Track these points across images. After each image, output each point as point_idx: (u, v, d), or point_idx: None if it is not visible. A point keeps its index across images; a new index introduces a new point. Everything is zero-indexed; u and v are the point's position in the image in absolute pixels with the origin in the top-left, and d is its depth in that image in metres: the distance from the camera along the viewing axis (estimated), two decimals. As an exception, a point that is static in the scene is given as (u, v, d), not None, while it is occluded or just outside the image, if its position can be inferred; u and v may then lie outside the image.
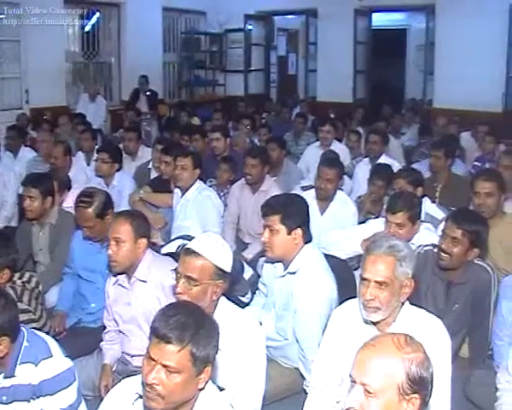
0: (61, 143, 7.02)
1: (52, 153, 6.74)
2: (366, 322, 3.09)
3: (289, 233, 3.88)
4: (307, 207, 4.12)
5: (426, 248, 4.25)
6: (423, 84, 13.56)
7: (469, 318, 4.09)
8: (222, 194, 6.37)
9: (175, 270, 3.19)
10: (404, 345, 2.16)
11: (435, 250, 4.13)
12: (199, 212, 5.62)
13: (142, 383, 2.35)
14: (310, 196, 5.32)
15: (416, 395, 2.12)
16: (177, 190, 5.90)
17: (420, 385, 2.12)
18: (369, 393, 2.11)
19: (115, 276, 3.92)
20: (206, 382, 2.38)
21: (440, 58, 12.72)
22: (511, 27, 11.92)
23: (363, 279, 3.05)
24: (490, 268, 4.10)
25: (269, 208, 3.96)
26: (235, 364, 3.08)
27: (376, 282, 2.98)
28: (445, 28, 12.50)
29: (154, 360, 2.29)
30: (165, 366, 2.28)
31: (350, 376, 2.19)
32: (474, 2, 11.86)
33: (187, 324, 2.31)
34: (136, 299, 3.83)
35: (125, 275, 3.87)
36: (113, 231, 3.78)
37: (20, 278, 4.09)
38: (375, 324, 3.07)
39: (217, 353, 2.40)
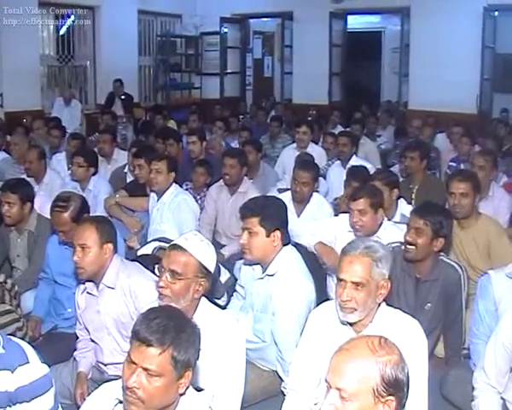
0: (36, 147, 6.95)
1: (27, 158, 6.67)
2: (343, 323, 3.09)
3: (268, 235, 3.88)
4: (286, 209, 4.13)
5: (394, 245, 4.30)
6: (398, 86, 13.64)
7: (443, 316, 4.14)
8: (198, 197, 6.36)
9: (159, 265, 3.20)
10: (378, 348, 2.16)
11: (403, 247, 4.19)
12: (175, 215, 5.61)
13: (123, 388, 2.33)
14: (286, 199, 5.34)
15: (392, 398, 2.12)
16: (153, 194, 5.89)
17: (395, 387, 2.12)
18: (344, 397, 2.10)
19: (83, 283, 3.87)
20: (187, 387, 2.37)
21: (415, 60, 12.80)
22: (485, 30, 12.03)
23: (339, 280, 3.05)
24: (459, 266, 4.15)
25: (248, 210, 3.97)
26: (215, 364, 3.07)
27: (353, 283, 2.98)
28: (419, 31, 12.57)
29: (134, 363, 2.29)
30: (145, 370, 2.27)
31: (325, 380, 2.18)
32: (448, 5, 11.93)
33: (168, 327, 2.30)
34: (105, 306, 3.79)
35: (92, 283, 3.82)
36: (78, 238, 3.74)
37: None
38: (351, 325, 3.07)
39: (198, 358, 2.39)
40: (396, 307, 3.23)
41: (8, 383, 2.77)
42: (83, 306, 3.91)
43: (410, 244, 4.06)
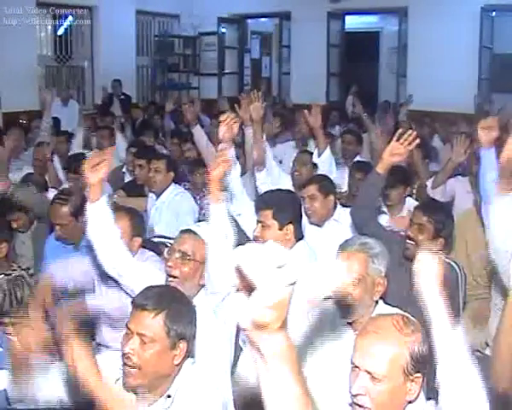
0: (47, 144, 6.91)
1: (37, 155, 6.66)
2: None
3: (281, 229, 3.90)
4: (300, 204, 4.15)
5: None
6: (396, 86, 13.63)
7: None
8: (198, 198, 6.34)
9: (168, 248, 3.30)
10: (404, 327, 2.22)
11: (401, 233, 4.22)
12: (175, 209, 5.59)
13: (122, 358, 2.43)
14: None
15: (419, 374, 2.20)
16: (151, 194, 5.87)
17: (422, 363, 2.20)
18: (376, 379, 2.16)
19: None
20: (183, 358, 2.45)
21: (413, 60, 12.81)
22: (483, 30, 12.06)
23: None
24: (456, 265, 4.14)
25: (261, 203, 4.04)
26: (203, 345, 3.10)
27: None
28: (417, 31, 12.58)
29: (131, 330, 2.40)
30: (140, 335, 2.37)
31: (352, 363, 2.23)
32: (446, 5, 11.95)
33: (163, 294, 2.47)
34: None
35: None
36: None
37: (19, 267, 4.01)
38: (350, 324, 3.08)
39: (194, 335, 2.50)
40: (388, 304, 3.25)
41: (6, 381, 2.77)
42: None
43: (411, 240, 4.07)
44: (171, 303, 2.43)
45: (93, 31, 13.11)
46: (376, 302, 3.14)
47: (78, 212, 4.43)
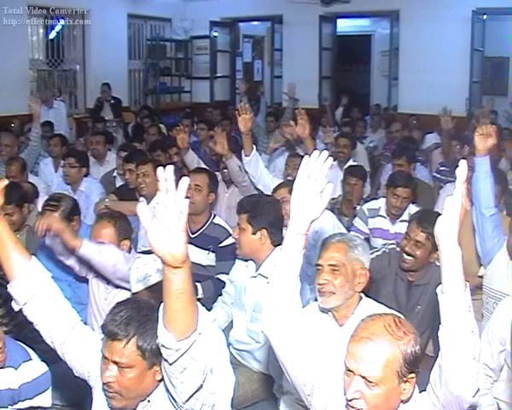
0: (16, 159, 6.78)
1: (8, 173, 6.39)
2: (323, 311, 3.19)
3: (254, 233, 3.94)
4: (279, 211, 4.13)
5: (390, 246, 4.37)
6: (388, 89, 13.63)
7: (431, 319, 4.15)
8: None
9: None
10: (396, 330, 2.23)
11: (398, 249, 4.21)
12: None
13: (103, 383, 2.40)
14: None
15: (413, 375, 2.24)
16: (142, 198, 5.86)
17: (415, 364, 2.23)
18: (371, 383, 2.18)
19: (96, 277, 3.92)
20: None
21: (405, 64, 12.85)
22: (474, 33, 12.09)
23: (317, 267, 3.17)
24: None
25: (239, 206, 4.08)
26: None
27: (329, 266, 3.11)
28: (409, 34, 12.63)
29: (106, 358, 2.36)
30: (116, 363, 2.34)
31: (346, 366, 2.24)
32: (437, 9, 11.98)
33: (131, 318, 2.36)
34: (114, 296, 3.82)
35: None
36: (96, 235, 3.79)
37: None
38: (333, 316, 3.17)
39: None
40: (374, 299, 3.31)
41: (11, 380, 2.79)
42: (91, 294, 4.02)
43: (409, 255, 4.08)
44: (141, 324, 2.35)
45: (85, 34, 13.08)
46: (360, 298, 3.20)
47: (69, 217, 4.43)
